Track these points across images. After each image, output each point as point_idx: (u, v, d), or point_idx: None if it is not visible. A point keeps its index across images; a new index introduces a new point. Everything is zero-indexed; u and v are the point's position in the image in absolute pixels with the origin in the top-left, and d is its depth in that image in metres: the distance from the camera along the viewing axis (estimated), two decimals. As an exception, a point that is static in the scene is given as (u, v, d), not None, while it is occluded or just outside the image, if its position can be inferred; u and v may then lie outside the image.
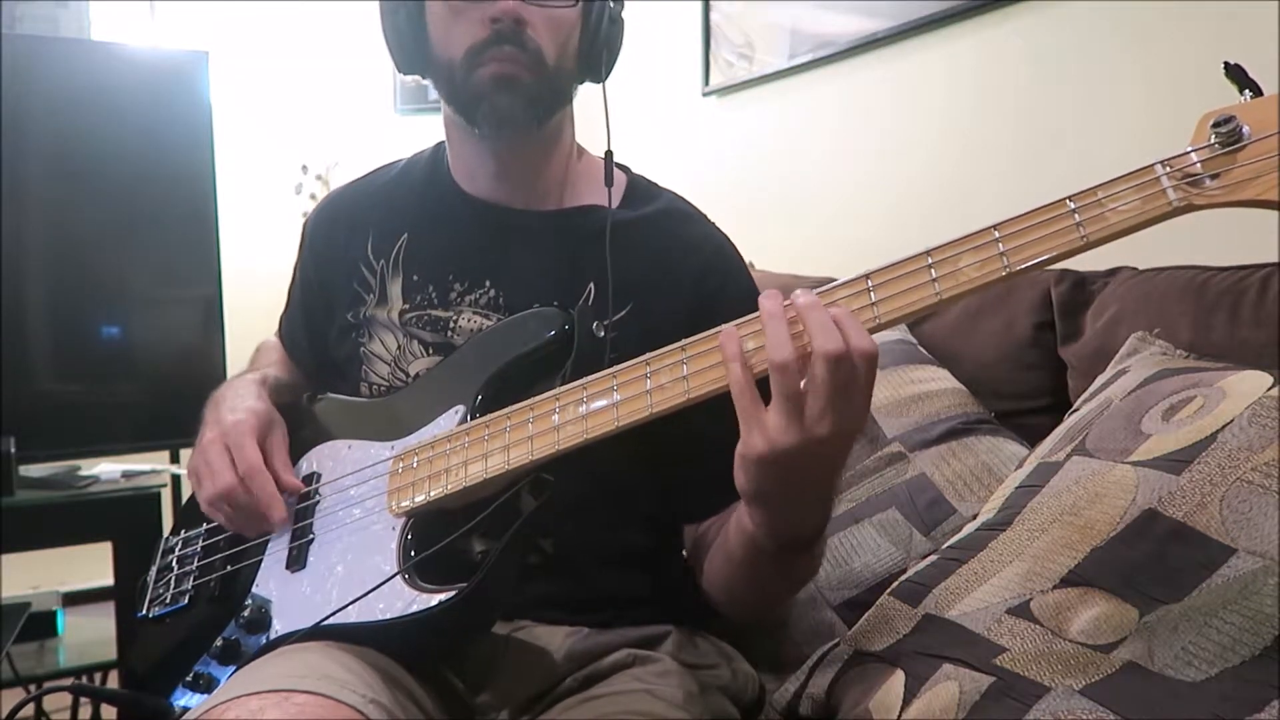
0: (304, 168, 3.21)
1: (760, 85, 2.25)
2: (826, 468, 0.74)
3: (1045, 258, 0.67)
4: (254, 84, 3.20)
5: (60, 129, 1.91)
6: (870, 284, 0.71)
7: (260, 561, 0.94)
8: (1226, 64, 0.66)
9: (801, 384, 0.68)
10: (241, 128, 3.05)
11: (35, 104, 1.86)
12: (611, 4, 0.97)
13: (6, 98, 1.81)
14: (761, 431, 0.69)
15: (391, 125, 3.28)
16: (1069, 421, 1.06)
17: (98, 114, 1.93)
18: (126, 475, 1.93)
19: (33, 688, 1.86)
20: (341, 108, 3.27)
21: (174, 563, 1.01)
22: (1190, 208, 0.64)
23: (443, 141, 1.07)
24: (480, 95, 0.92)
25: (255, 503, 0.91)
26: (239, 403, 0.98)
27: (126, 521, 1.79)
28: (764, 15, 2.20)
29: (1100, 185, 0.67)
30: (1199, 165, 0.64)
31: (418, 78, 1.01)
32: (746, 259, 1.08)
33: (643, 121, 2.59)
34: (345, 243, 1.07)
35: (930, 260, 0.70)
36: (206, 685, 0.89)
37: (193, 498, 1.04)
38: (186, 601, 0.96)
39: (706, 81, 2.40)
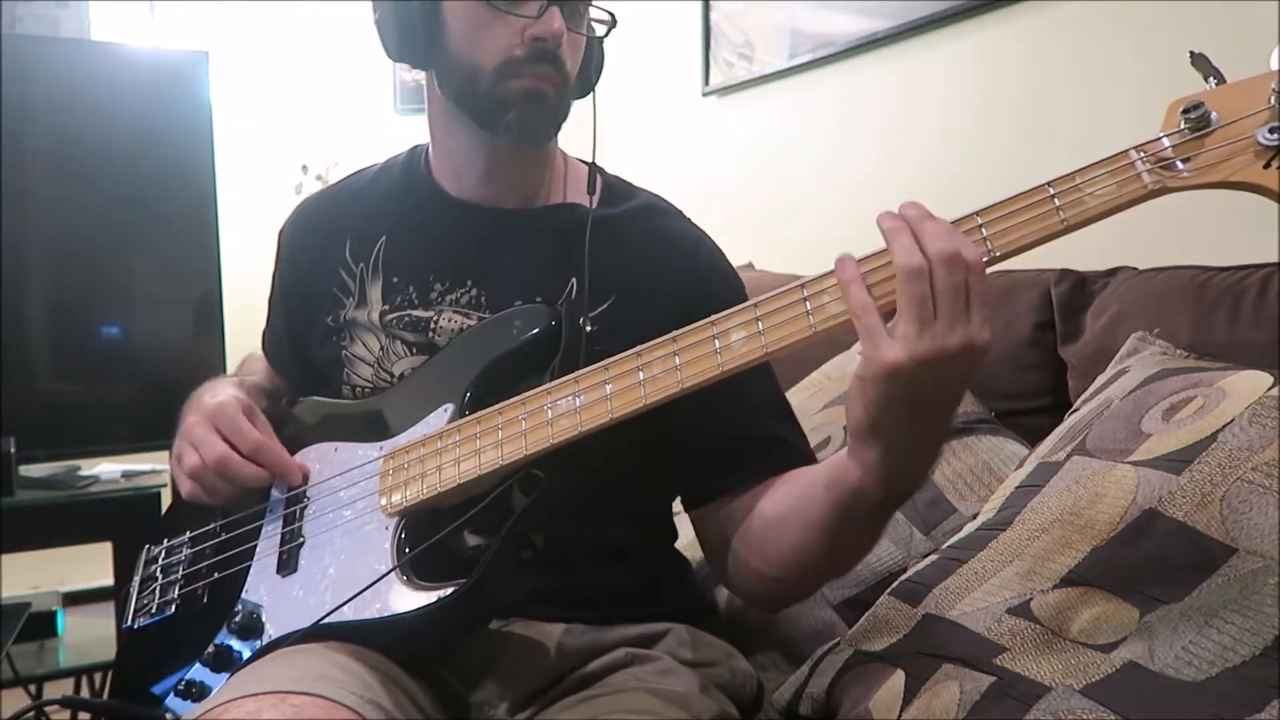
0: (304, 168, 3.20)
1: (760, 85, 2.25)
2: (950, 390, 0.72)
3: (1027, 241, 0.70)
4: (254, 84, 3.19)
5: (60, 129, 1.91)
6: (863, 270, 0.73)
7: (248, 567, 0.93)
8: (1192, 53, 0.70)
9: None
10: (241, 128, 3.04)
11: (35, 104, 1.86)
12: (611, 27, 1.01)
13: (6, 98, 1.80)
14: (891, 345, 0.68)
15: (391, 125, 3.28)
16: (1069, 421, 1.06)
17: (98, 114, 1.93)
18: (126, 475, 1.93)
19: (33, 688, 1.86)
20: (341, 108, 3.27)
21: (158, 572, 1.00)
22: (1164, 190, 0.68)
23: (418, 145, 1.08)
24: (508, 105, 0.93)
25: (263, 476, 0.92)
26: (219, 393, 0.99)
27: (126, 521, 1.80)
28: (764, 15, 2.20)
29: (1078, 170, 0.70)
30: (1170, 150, 0.67)
31: (419, 78, 1.02)
32: (746, 258, 1.08)
33: (643, 121, 2.59)
34: (323, 248, 1.07)
35: None
36: (199, 694, 0.87)
37: (173, 505, 1.03)
38: (173, 610, 0.95)
39: (706, 81, 2.40)
